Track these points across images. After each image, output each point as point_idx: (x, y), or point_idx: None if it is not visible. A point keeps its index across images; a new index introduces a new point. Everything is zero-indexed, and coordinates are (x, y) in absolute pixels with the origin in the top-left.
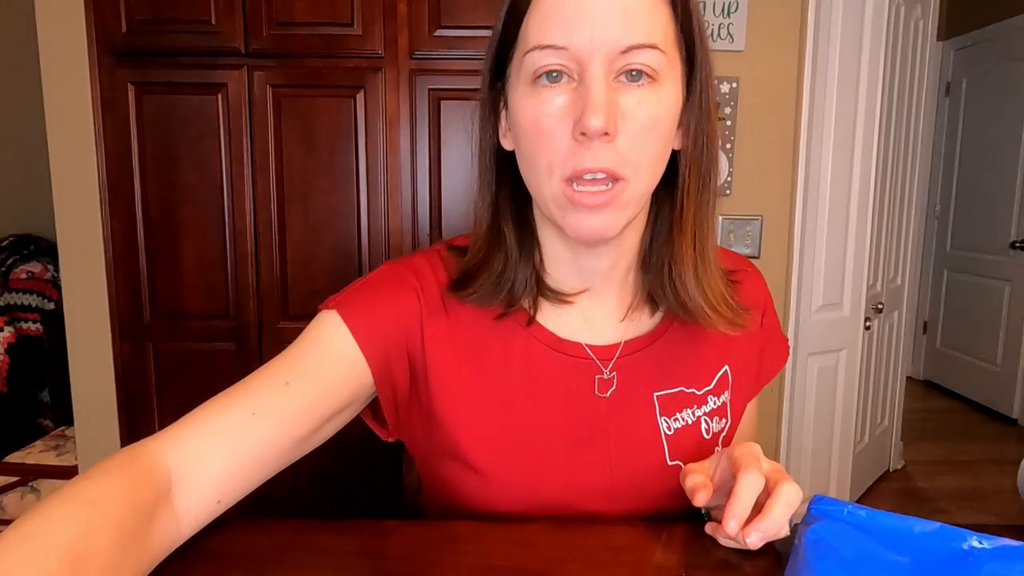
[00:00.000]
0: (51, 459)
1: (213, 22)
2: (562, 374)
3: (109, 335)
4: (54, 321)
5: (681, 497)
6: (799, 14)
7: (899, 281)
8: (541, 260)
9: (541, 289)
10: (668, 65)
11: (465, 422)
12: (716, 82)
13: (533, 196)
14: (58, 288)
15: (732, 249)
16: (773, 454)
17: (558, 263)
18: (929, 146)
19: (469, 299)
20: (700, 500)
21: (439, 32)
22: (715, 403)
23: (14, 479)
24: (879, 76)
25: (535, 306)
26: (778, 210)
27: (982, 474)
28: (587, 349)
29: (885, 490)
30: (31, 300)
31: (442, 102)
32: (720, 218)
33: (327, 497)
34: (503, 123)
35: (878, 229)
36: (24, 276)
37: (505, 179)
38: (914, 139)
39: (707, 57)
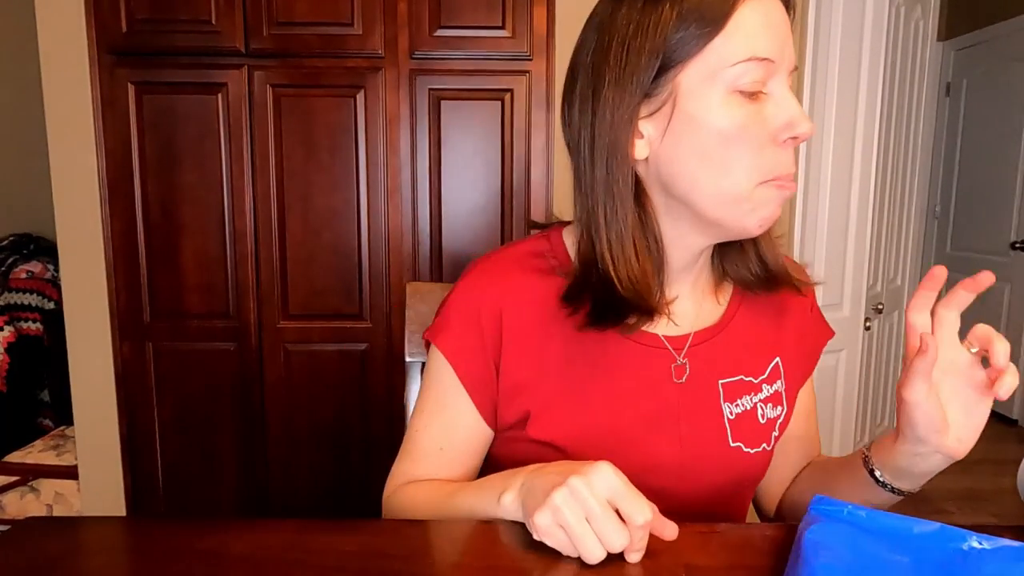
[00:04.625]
0: (51, 459)
1: (213, 22)
2: (639, 363)
3: (109, 335)
4: (54, 321)
5: (737, 474)
6: (799, 14)
7: (899, 281)
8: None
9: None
10: None
11: (548, 408)
12: None
13: (702, 201)
14: (58, 288)
15: None
16: None
17: (671, 276)
18: (929, 146)
19: (625, 331)
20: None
21: (439, 32)
22: (769, 391)
23: (14, 479)
24: (879, 76)
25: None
26: None
27: (982, 474)
28: (663, 339)
29: None
30: (31, 300)
31: (442, 102)
32: None
33: (327, 497)
34: (644, 130)
35: (878, 229)
36: (24, 276)
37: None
38: (914, 139)
39: None
